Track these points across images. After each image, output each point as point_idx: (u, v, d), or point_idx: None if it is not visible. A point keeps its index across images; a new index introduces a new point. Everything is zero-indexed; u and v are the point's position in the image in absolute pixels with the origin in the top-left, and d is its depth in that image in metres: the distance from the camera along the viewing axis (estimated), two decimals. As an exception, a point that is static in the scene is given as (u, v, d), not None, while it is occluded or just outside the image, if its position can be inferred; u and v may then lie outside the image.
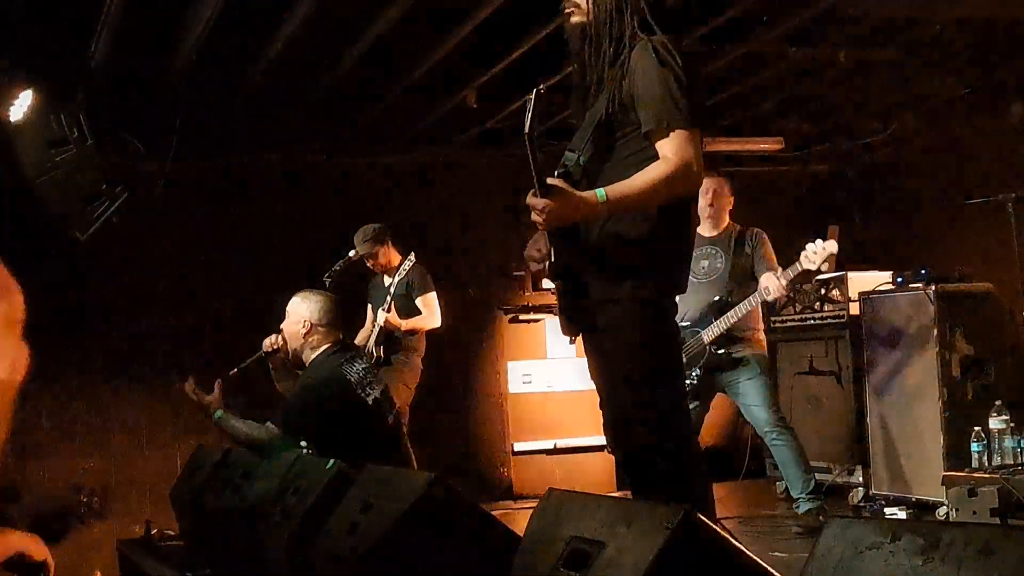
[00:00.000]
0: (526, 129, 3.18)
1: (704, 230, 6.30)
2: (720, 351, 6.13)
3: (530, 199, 3.24)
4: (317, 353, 5.44)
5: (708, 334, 6.11)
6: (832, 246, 5.94)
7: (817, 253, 5.92)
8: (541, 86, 3.25)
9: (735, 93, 7.86)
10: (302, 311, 5.48)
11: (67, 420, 7.66)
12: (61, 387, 7.59)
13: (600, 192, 3.25)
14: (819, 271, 6.08)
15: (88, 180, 6.64)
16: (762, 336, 6.38)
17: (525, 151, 3.22)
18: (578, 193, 3.27)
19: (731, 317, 6.10)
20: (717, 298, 6.17)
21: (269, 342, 5.63)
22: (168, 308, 7.92)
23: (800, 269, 6.00)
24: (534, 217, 3.26)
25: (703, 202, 6.16)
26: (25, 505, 7.42)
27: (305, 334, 5.43)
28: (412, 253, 7.22)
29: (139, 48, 6.38)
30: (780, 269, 6.07)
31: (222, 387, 5.38)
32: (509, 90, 7.36)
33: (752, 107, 8.39)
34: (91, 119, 6.59)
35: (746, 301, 6.13)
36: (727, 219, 6.37)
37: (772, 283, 6.01)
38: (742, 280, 6.23)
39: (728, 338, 6.12)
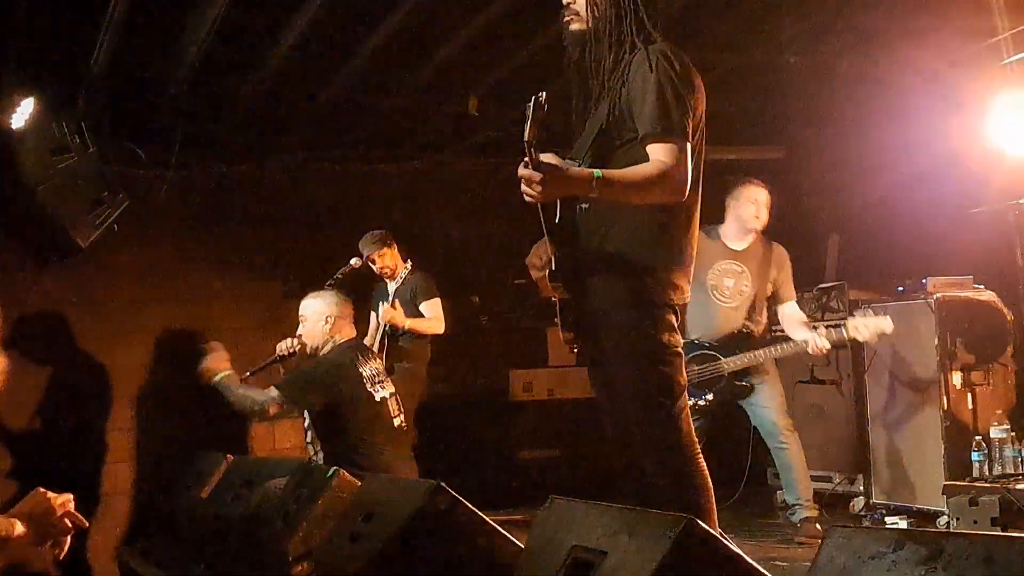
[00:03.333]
0: (525, 136, 3.18)
1: (731, 240, 6.15)
2: (740, 381, 6.09)
3: (522, 171, 3.19)
4: (335, 344, 5.52)
5: (730, 364, 6.02)
6: (887, 325, 5.86)
7: (868, 328, 5.88)
8: (541, 94, 3.25)
9: (736, 101, 7.86)
10: (321, 308, 5.54)
11: (67, 427, 7.65)
12: (61, 393, 7.58)
13: (597, 172, 3.25)
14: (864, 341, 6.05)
15: (90, 187, 6.63)
16: None
17: (526, 158, 3.22)
18: (572, 168, 3.28)
19: (759, 356, 6.03)
20: (743, 328, 6.10)
21: (285, 346, 5.63)
22: (169, 315, 7.91)
23: (846, 337, 5.96)
24: (525, 189, 3.22)
25: (753, 210, 6.05)
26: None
27: (329, 329, 5.50)
28: (409, 261, 7.22)
29: (141, 55, 6.38)
30: (822, 327, 6.02)
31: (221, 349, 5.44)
32: (511, 97, 7.36)
33: (752, 115, 8.38)
34: (93, 126, 6.60)
35: (781, 346, 6.09)
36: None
37: (813, 344, 5.93)
38: (766, 304, 6.17)
39: (750, 368, 6.09)
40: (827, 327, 6.07)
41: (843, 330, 5.95)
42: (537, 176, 3.16)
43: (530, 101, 3.22)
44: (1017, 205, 6.12)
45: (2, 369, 1.67)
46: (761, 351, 6.04)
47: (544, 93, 3.23)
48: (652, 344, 3.41)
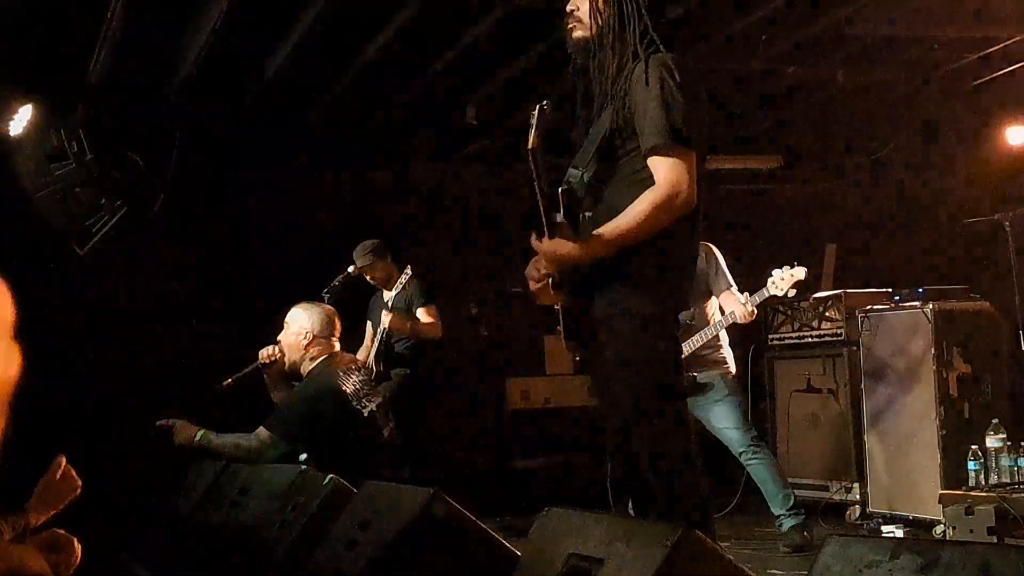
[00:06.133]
0: (529, 144, 3.18)
1: None
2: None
3: (536, 244, 3.35)
4: (315, 364, 5.41)
5: None
6: (800, 272, 5.89)
7: (784, 279, 5.90)
8: (545, 102, 3.25)
9: (734, 110, 7.88)
10: (303, 322, 5.42)
11: (63, 434, 7.64)
12: (58, 401, 7.57)
13: (594, 234, 3.31)
14: (786, 296, 6.03)
15: (87, 195, 6.64)
16: (725, 355, 6.22)
17: (527, 167, 3.23)
18: (578, 240, 3.34)
19: (695, 342, 5.99)
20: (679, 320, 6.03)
21: (266, 353, 5.51)
22: (166, 322, 7.91)
23: (767, 295, 5.98)
24: (531, 275, 3.36)
25: None
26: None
27: (306, 345, 5.37)
28: (408, 267, 7.21)
29: (139, 63, 6.39)
30: (746, 294, 6.01)
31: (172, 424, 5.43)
32: (509, 106, 7.38)
33: (750, 124, 8.40)
34: (90, 134, 6.61)
35: (711, 326, 6.08)
36: None
37: (739, 309, 5.95)
38: (698, 297, 6.13)
39: (690, 361, 5.97)
40: (749, 293, 6.05)
41: (764, 291, 5.96)
42: (541, 268, 3.41)
43: (534, 109, 3.22)
44: (1011, 215, 6.12)
45: (17, 357, 1.64)
46: (696, 336, 6.01)
47: (548, 101, 3.23)
48: (653, 352, 3.40)
